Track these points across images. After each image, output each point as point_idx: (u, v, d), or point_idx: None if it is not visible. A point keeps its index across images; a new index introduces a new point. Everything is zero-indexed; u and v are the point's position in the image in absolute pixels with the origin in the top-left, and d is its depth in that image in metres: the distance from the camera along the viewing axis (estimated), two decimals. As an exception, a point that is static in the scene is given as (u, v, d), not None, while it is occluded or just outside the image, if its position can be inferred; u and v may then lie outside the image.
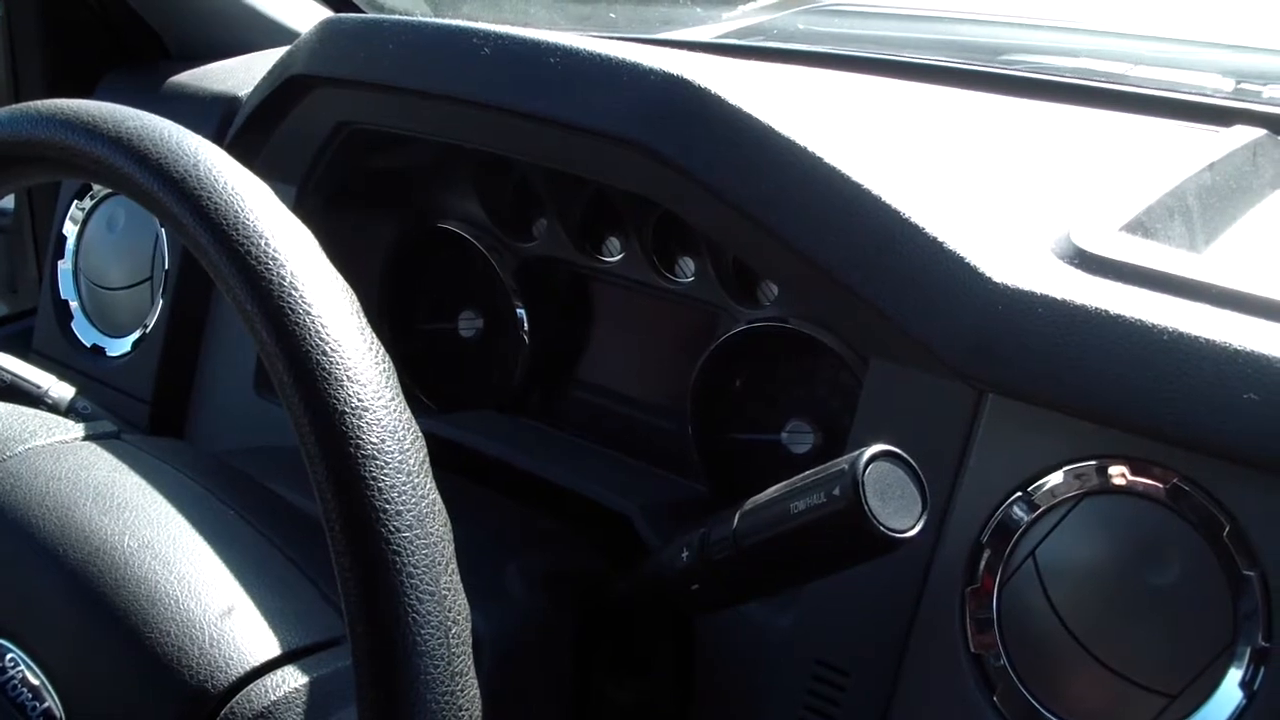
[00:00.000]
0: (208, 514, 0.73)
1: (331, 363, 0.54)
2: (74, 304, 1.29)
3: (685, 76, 0.85)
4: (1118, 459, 0.74)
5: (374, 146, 1.11)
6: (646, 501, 0.94)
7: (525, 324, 1.13)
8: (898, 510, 0.66)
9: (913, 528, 0.66)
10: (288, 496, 0.81)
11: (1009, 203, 0.87)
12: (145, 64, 1.38)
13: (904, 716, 0.79)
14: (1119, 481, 0.74)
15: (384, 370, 0.56)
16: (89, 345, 1.28)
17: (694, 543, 0.75)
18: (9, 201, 1.52)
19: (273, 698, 0.63)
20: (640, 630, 0.87)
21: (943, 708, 0.78)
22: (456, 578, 0.54)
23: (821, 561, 0.71)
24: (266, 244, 0.56)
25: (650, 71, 0.87)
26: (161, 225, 1.22)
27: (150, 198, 0.60)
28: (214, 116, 1.20)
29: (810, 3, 1.67)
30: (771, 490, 0.72)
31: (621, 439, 1.09)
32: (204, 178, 0.59)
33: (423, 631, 0.52)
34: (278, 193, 0.60)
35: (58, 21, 1.39)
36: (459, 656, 0.53)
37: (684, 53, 0.92)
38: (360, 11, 1.48)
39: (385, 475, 0.53)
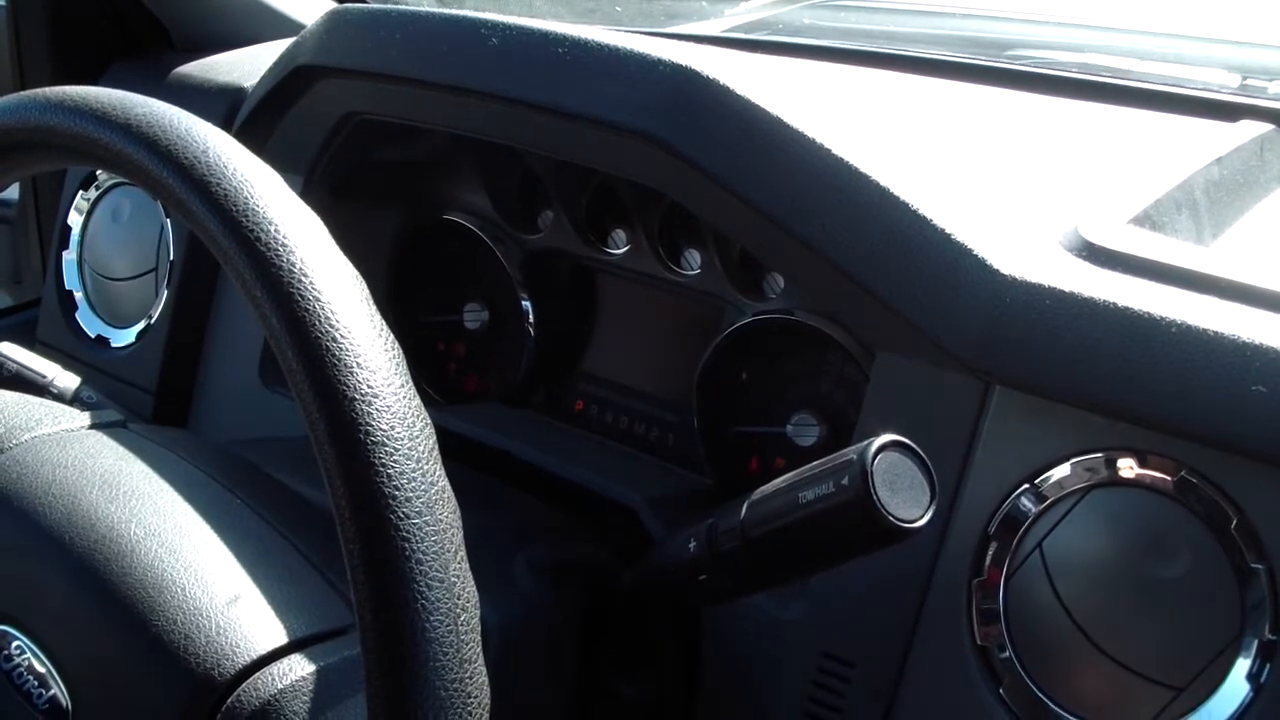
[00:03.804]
0: (214, 503, 0.73)
1: (341, 349, 0.54)
2: (78, 294, 1.29)
3: (695, 68, 0.85)
4: (1125, 451, 0.74)
5: (380, 137, 1.11)
6: (652, 494, 0.94)
7: (530, 316, 1.13)
8: (906, 500, 0.66)
9: (921, 518, 0.66)
10: (294, 486, 0.81)
11: (1017, 196, 0.87)
12: (150, 55, 1.38)
13: (909, 708, 0.79)
14: (1126, 474, 0.74)
15: (393, 357, 0.55)
16: (93, 336, 1.28)
17: (702, 533, 0.75)
18: (13, 191, 1.52)
19: (279, 686, 0.63)
20: (646, 621, 0.87)
21: (948, 699, 0.78)
22: (465, 565, 0.54)
23: (829, 552, 0.71)
24: (276, 230, 0.56)
25: (660, 63, 0.86)
26: (169, 214, 1.22)
27: (159, 184, 0.60)
28: (220, 107, 1.20)
29: (815, -3, 1.67)
30: (780, 480, 0.72)
31: (627, 431, 1.09)
32: (214, 164, 0.58)
33: (432, 618, 0.52)
34: (284, 183, 0.60)
35: (63, 12, 1.39)
36: (468, 643, 0.53)
37: (693, 45, 0.92)
38: (366, 2, 1.48)
39: (395, 462, 0.53)
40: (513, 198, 1.14)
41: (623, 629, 0.86)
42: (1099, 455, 0.74)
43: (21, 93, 0.67)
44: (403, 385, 0.55)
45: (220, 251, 0.57)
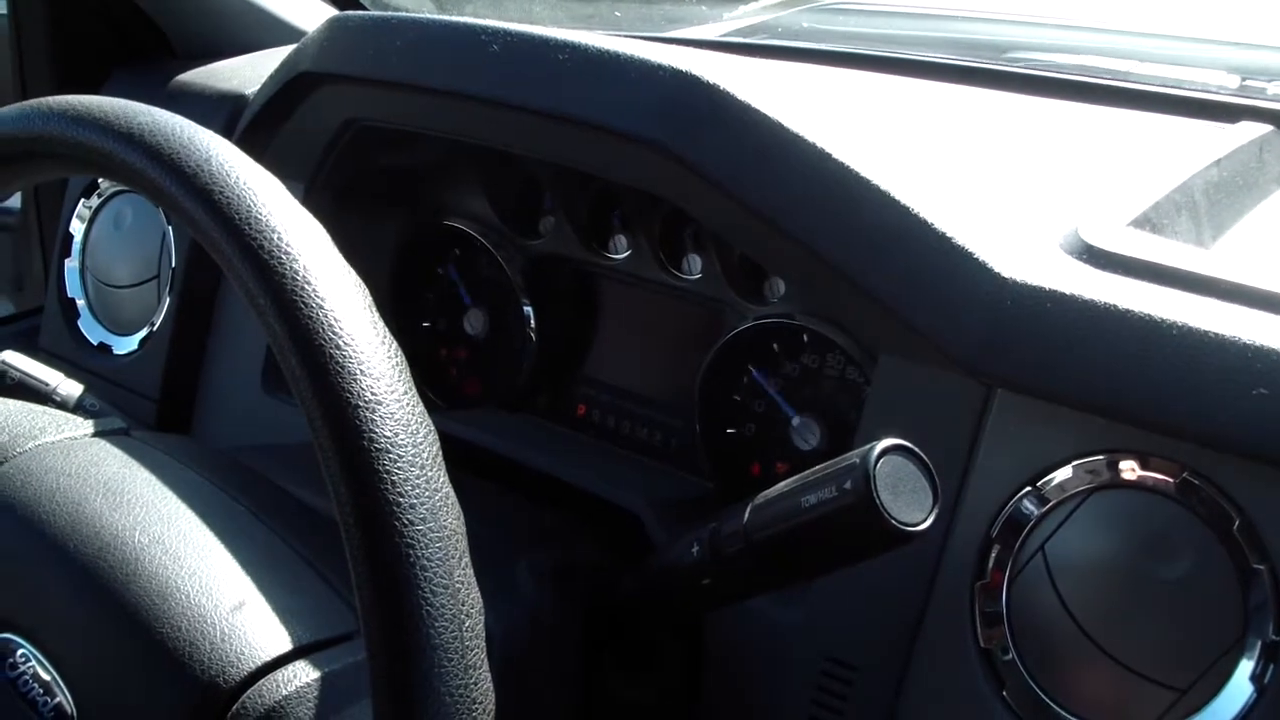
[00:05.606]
0: (218, 510, 0.73)
1: (345, 356, 0.54)
2: (80, 302, 1.29)
3: (695, 73, 0.85)
4: (1127, 453, 0.74)
5: (381, 144, 1.11)
6: (653, 498, 0.94)
7: (532, 321, 1.13)
8: (909, 504, 0.66)
9: (924, 521, 0.66)
10: (297, 492, 0.81)
11: (1017, 198, 0.87)
12: (151, 63, 1.38)
13: (913, 711, 0.79)
14: (1128, 476, 0.74)
15: (397, 364, 0.56)
16: (95, 343, 1.28)
17: (704, 537, 0.75)
18: (16, 200, 1.52)
19: (285, 692, 0.63)
20: (649, 626, 0.87)
21: (951, 702, 0.78)
22: (470, 571, 0.54)
23: (832, 556, 0.71)
24: (279, 238, 0.56)
25: (660, 68, 0.87)
26: (171, 221, 1.22)
27: (162, 193, 0.60)
28: (221, 114, 1.20)
29: (815, 1, 1.67)
30: (782, 484, 0.72)
31: (628, 436, 1.09)
32: (216, 172, 0.59)
33: (436, 624, 0.52)
34: (285, 190, 0.61)
35: (64, 21, 1.39)
36: (472, 650, 0.53)
37: (692, 50, 0.92)
38: (367, 9, 1.48)
39: (399, 469, 0.53)
40: (513, 203, 1.14)
41: (625, 634, 0.86)
42: (1101, 457, 0.74)
43: (24, 102, 0.67)
44: (406, 392, 0.55)
45: (223, 259, 0.58)
